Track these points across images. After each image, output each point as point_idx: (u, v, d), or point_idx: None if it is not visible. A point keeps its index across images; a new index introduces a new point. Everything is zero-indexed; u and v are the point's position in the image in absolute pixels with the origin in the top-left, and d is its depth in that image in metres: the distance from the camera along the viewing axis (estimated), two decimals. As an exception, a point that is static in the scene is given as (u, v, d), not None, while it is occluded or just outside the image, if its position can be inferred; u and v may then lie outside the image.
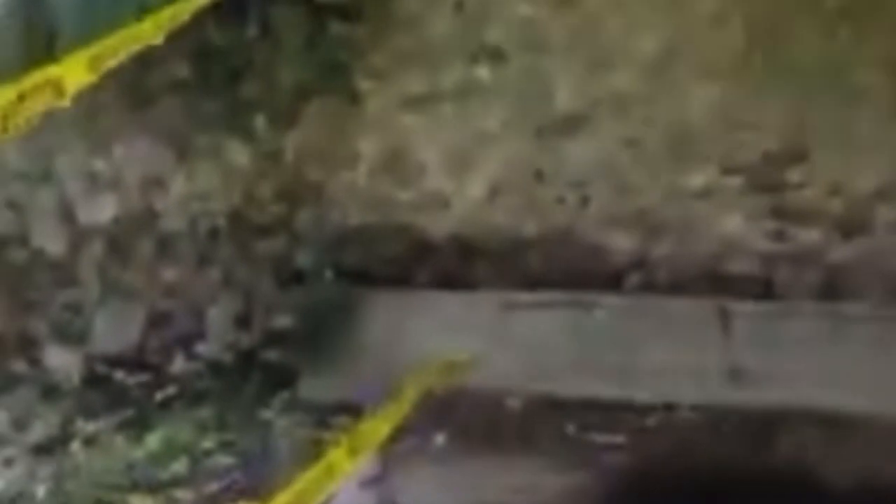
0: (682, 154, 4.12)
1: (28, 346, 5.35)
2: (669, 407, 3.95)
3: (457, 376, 4.04)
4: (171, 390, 4.74)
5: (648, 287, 4.18)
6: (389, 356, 4.25)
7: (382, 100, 4.53)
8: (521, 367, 4.16)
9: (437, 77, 4.43)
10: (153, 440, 4.24)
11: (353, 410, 4.08)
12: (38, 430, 4.43)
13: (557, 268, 4.28)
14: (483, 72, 4.36)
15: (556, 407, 4.07)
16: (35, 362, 5.30)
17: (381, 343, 4.40)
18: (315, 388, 4.45)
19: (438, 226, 4.49)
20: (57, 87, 2.54)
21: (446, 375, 4.02)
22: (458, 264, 4.44)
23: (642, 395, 3.99)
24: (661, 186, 4.16)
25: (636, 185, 4.19)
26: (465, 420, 4.06)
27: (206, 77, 4.83)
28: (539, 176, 4.33)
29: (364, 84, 4.54)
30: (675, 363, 3.98)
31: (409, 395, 3.69)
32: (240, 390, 4.59)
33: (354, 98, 4.56)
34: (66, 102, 2.65)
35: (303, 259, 4.78)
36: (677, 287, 4.08)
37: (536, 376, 4.16)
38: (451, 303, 4.40)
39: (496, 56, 4.34)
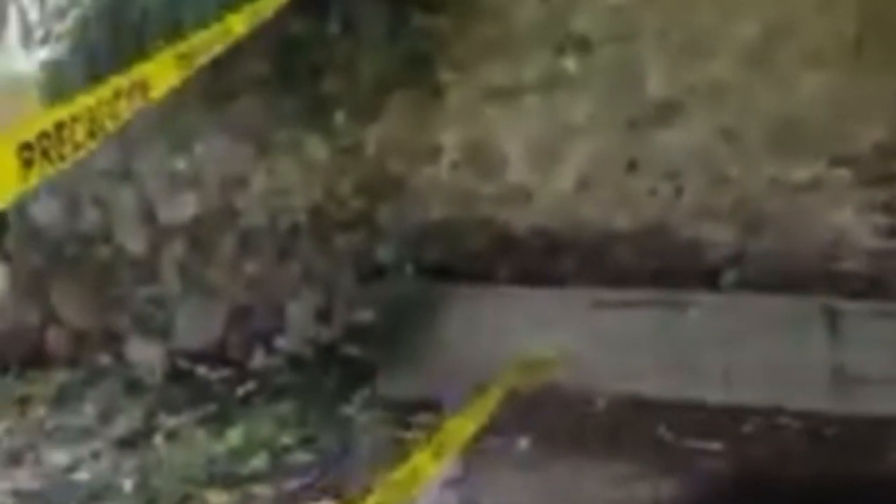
0: (784, 144, 3.82)
1: (112, 341, 5.33)
2: (770, 412, 3.66)
3: (542, 375, 3.86)
4: (251, 385, 4.67)
5: (746, 284, 3.88)
6: (471, 353, 4.09)
7: (465, 92, 4.36)
8: (609, 367, 3.94)
9: (522, 68, 4.24)
10: (234, 435, 4.16)
11: (434, 408, 3.97)
12: (123, 424, 4.39)
13: (649, 263, 4.03)
14: (569, 62, 4.15)
15: (646, 409, 3.84)
16: (119, 357, 5.28)
17: (462, 340, 4.23)
18: (395, 384, 4.31)
19: (522, 219, 4.29)
20: (146, 87, 2.39)
21: (531, 374, 3.83)
22: (543, 259, 4.21)
23: (741, 399, 3.71)
24: (761, 178, 3.86)
25: (734, 176, 3.92)
26: (551, 421, 3.87)
27: (287, 73, 4.73)
28: (630, 167, 4.07)
29: (446, 76, 4.38)
30: (776, 365, 3.69)
31: (494, 394, 3.50)
32: (319, 386, 4.50)
33: (437, 91, 4.39)
34: (155, 101, 2.48)
35: (383, 254, 4.63)
36: (778, 284, 3.76)
37: (626, 377, 3.92)
38: (535, 299, 4.19)
39: (583, 45, 4.13)
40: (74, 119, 2.01)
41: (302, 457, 3.91)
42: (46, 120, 1.97)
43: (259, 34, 4.70)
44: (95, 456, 4.09)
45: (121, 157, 5.12)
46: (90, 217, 5.30)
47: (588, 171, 4.13)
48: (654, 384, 3.89)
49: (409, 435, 3.91)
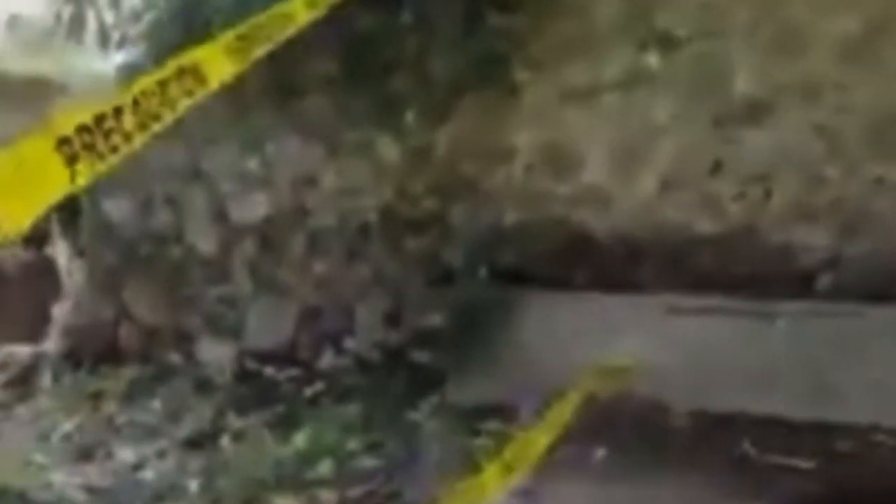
0: (885, 143, 3.52)
1: (183, 340, 5.27)
2: (865, 429, 3.37)
3: (619, 384, 3.63)
4: (319, 386, 4.56)
5: (841, 291, 3.58)
6: (545, 360, 3.91)
7: (542, 91, 4.19)
8: (690, 377, 3.72)
9: (602, 67, 4.05)
10: (300, 438, 4.05)
11: (505, 416, 3.82)
12: (190, 424, 4.31)
13: (734, 269, 3.77)
14: (652, 59, 3.94)
15: (729, 424, 3.61)
16: (189, 355, 5.21)
17: (536, 346, 4.06)
18: (465, 391, 4.15)
19: (600, 222, 4.10)
20: (198, 74, 2.20)
21: (607, 382, 3.61)
22: (621, 264, 4.00)
23: (834, 416, 3.43)
24: (858, 178, 3.60)
25: (830, 176, 3.66)
26: (627, 433, 3.66)
27: (356, 71, 4.61)
28: (715, 169, 3.83)
29: (522, 75, 4.21)
30: (872, 379, 3.40)
31: (569, 403, 3.28)
32: (387, 389, 4.36)
33: (512, 90, 4.23)
34: (209, 90, 2.33)
35: (454, 257, 4.47)
36: (876, 291, 3.46)
37: (708, 388, 3.70)
38: (613, 305, 3.99)
39: (667, 42, 3.91)
40: (118, 111, 1.83)
41: (367, 462, 3.78)
42: (85, 113, 1.80)
43: (328, 31, 4.62)
44: (162, 454, 4.02)
45: (192, 157, 5.07)
46: (162, 216, 5.25)
47: (670, 172, 3.91)
48: (739, 397, 3.65)
49: (478, 443, 3.75)
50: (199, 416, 4.34)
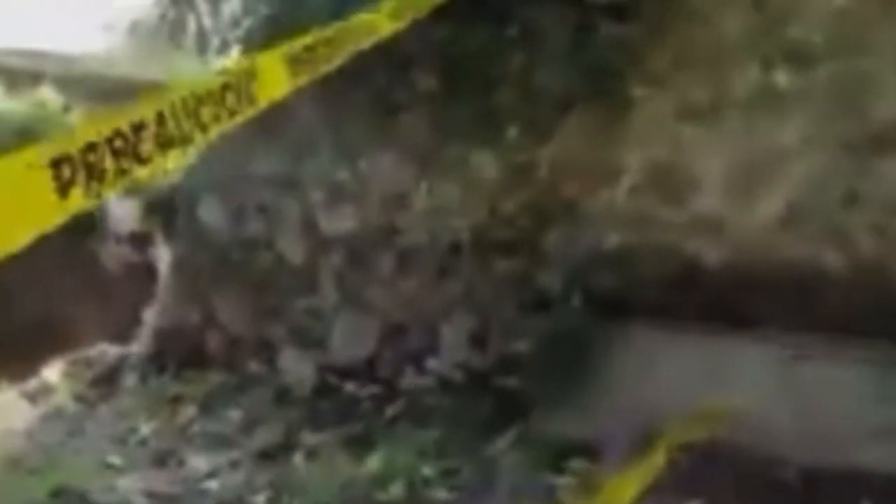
0: None
1: (266, 349, 5.05)
2: None
3: (720, 431, 3.17)
4: (398, 406, 4.28)
5: None
6: (640, 399, 3.54)
7: (657, 108, 3.84)
8: (806, 428, 3.31)
9: (725, 83, 3.68)
10: (374, 460, 3.77)
11: (591, 455, 3.47)
12: (264, 436, 4.10)
13: (865, 311, 3.28)
14: (781, 76, 3.53)
15: (848, 481, 3.14)
16: (272, 365, 4.97)
17: (631, 383, 3.68)
18: (550, 424, 3.82)
19: (713, 251, 3.67)
20: (245, 91, 2.00)
21: (707, 428, 3.18)
22: (734, 298, 3.57)
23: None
24: None
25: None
26: (729, 486, 3.24)
27: (457, 84, 4.34)
28: (848, 199, 3.37)
29: (636, 90, 3.87)
30: None
31: (662, 449, 2.88)
32: (468, 414, 4.06)
33: (624, 105, 3.87)
34: (256, 109, 2.07)
35: (548, 281, 4.13)
36: None
37: (825, 442, 3.24)
38: (722, 343, 3.58)
39: (800, 57, 3.48)
40: (138, 127, 1.58)
41: (440, 490, 3.50)
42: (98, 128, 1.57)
43: (429, 45, 4.36)
44: (233, 466, 3.82)
45: (286, 166, 4.87)
46: (254, 224, 5.06)
47: (796, 200, 3.49)
48: (860, 453, 3.16)
49: (561, 481, 3.42)
50: (274, 428, 4.14)
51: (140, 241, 5.64)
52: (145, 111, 1.60)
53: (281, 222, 5.06)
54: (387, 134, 4.61)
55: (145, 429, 4.28)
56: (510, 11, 4.14)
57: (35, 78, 7.89)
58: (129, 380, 5.01)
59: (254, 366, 5.07)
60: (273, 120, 5.28)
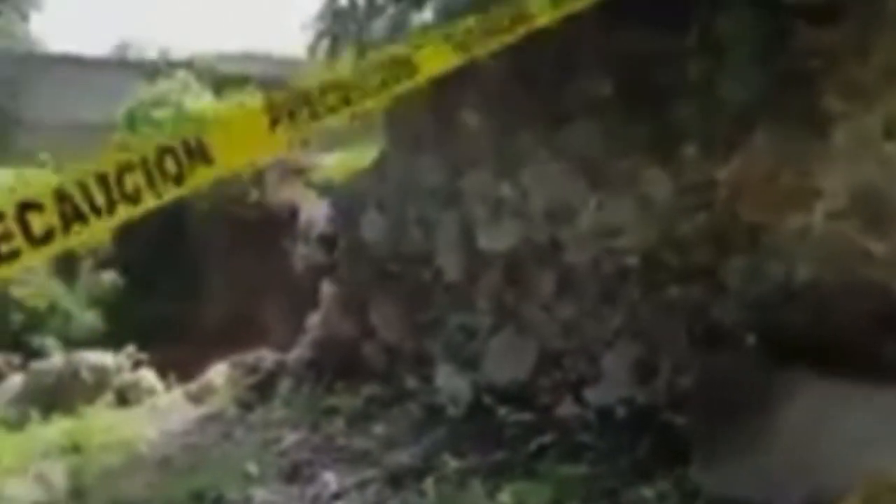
0: None
1: (422, 364, 4.89)
2: None
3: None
4: (548, 437, 3.96)
5: None
6: (819, 458, 3.05)
7: (860, 124, 3.32)
8: None
9: None
10: (508, 494, 3.46)
11: None
12: (403, 456, 3.87)
13: None
14: None
15: None
16: (426, 380, 4.81)
17: (810, 438, 3.15)
18: (713, 474, 3.35)
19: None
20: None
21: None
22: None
23: None
24: None
25: None
26: None
27: (631, 96, 4.00)
28: None
29: (836, 104, 3.35)
30: None
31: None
32: (622, 454, 3.70)
33: (821, 121, 3.35)
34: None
35: (724, 315, 3.71)
36: None
37: None
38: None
39: None
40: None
41: None
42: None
43: (602, 50, 4.01)
44: (363, 486, 3.65)
45: (448, 178, 4.66)
46: (413, 237, 4.91)
47: None
48: None
49: None
50: (415, 450, 3.93)
51: (327, 243, 5.63)
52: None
53: (440, 236, 4.88)
54: (553, 144, 4.32)
55: (290, 438, 4.22)
56: (691, 14, 3.72)
57: (242, 81, 8.17)
58: (285, 387, 5.01)
59: (409, 380, 4.93)
60: (436, 130, 5.16)
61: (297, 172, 7.13)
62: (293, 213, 6.77)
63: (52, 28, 38.56)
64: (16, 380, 5.25)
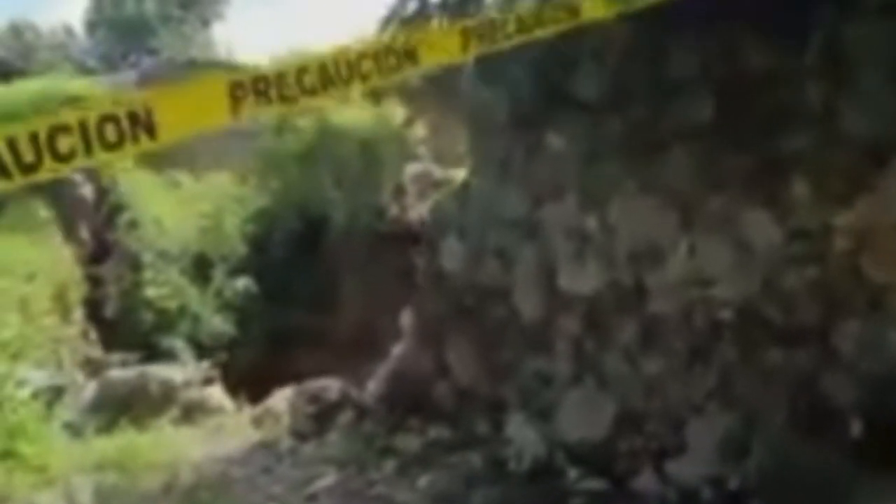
0: None
1: (493, 409, 4.32)
2: None
3: None
4: None
5: None
6: None
7: None
8: None
9: None
10: None
11: None
12: None
13: None
14: None
15: None
16: (497, 427, 4.24)
17: None
18: None
19: None
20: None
21: None
22: None
23: None
24: None
25: None
26: None
27: (734, 121, 3.34)
28: None
29: None
30: None
31: None
32: None
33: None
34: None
35: (834, 389, 2.93)
36: None
37: None
38: None
39: None
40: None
41: None
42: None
43: (704, 70, 3.38)
44: None
45: (529, 209, 4.11)
46: (491, 269, 4.37)
47: None
48: None
49: None
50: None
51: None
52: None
53: (518, 271, 4.33)
54: (644, 176, 3.68)
55: (327, 480, 3.79)
56: (812, 25, 3.03)
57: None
58: (346, 420, 4.62)
59: (480, 425, 4.40)
60: (519, 157, 4.64)
61: (436, 186, 6.80)
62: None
63: (240, 37, 37.58)
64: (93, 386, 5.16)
